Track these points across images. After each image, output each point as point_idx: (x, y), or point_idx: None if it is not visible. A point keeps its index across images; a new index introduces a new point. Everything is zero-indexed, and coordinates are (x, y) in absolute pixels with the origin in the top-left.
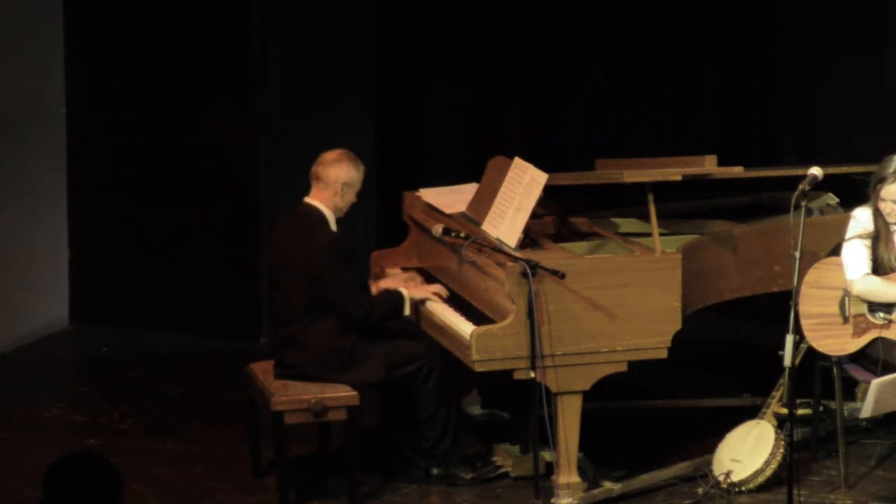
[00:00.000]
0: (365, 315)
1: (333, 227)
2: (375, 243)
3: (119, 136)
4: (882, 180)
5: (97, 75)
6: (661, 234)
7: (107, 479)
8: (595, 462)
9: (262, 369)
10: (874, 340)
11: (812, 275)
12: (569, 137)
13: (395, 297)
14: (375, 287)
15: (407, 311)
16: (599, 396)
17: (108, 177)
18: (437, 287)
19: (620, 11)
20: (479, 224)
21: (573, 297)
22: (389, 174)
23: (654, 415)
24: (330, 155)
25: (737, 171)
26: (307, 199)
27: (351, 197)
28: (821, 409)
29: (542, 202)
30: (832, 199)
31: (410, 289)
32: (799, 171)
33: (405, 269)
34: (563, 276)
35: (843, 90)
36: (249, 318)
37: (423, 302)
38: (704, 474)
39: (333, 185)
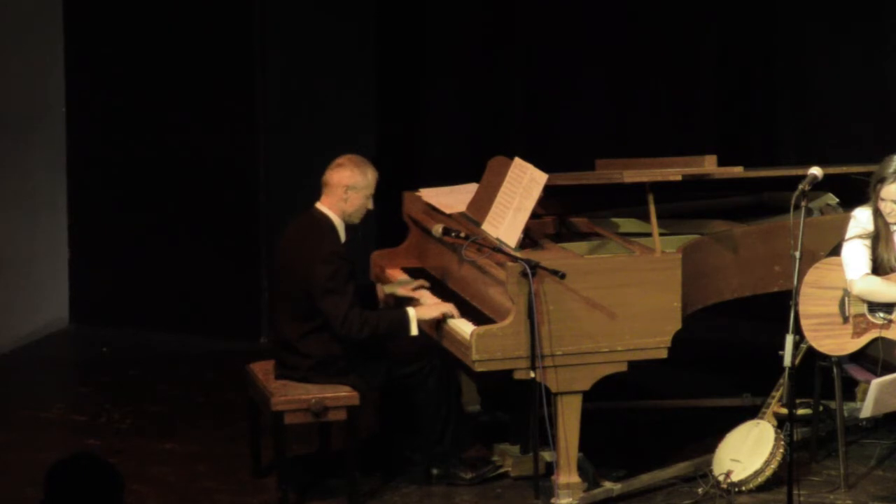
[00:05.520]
0: (352, 332)
1: (342, 234)
2: (375, 243)
3: (119, 136)
4: (882, 180)
5: (97, 75)
6: (661, 234)
7: (107, 480)
8: (595, 462)
9: (262, 369)
10: (874, 340)
11: (812, 275)
12: (569, 137)
13: (400, 317)
14: (381, 291)
15: (414, 331)
16: (599, 396)
17: (107, 177)
18: (447, 307)
19: (620, 11)
20: (479, 224)
21: (573, 297)
22: (389, 174)
23: (654, 415)
24: (337, 160)
25: (737, 171)
26: (318, 205)
27: (359, 201)
28: (821, 409)
29: (542, 202)
30: (832, 199)
31: (419, 309)
32: (799, 171)
33: (405, 270)
34: (563, 276)
35: (843, 90)
36: (249, 318)
37: (437, 322)
38: (704, 474)
39: (337, 189)
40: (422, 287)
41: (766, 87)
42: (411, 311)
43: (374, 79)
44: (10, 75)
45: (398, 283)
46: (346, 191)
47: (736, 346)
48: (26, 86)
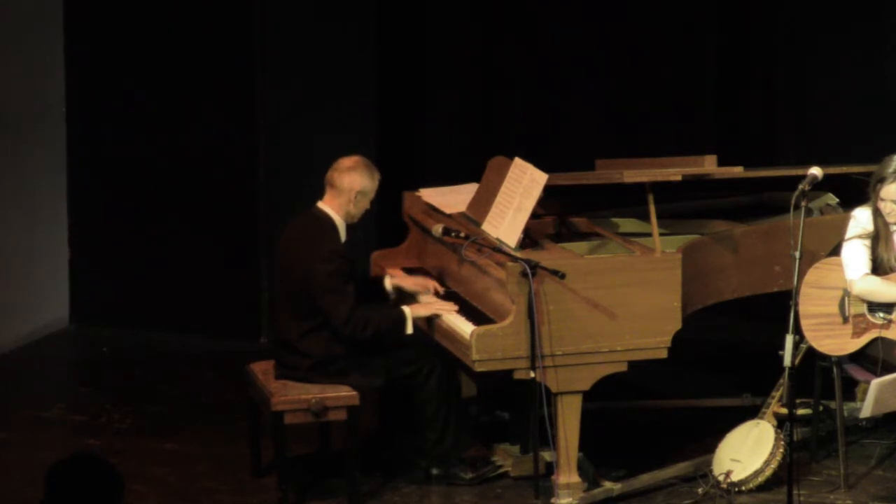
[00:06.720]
0: (355, 332)
1: (343, 234)
2: (375, 243)
3: (119, 136)
4: (882, 180)
5: (97, 75)
6: (661, 234)
7: (107, 480)
8: (595, 462)
9: (262, 369)
10: (874, 340)
11: (812, 275)
12: (569, 137)
13: (396, 316)
14: (389, 282)
15: (409, 331)
16: (599, 396)
17: (108, 177)
18: (441, 304)
19: (620, 11)
20: (479, 224)
21: (573, 297)
22: (389, 174)
23: (654, 415)
24: (346, 162)
25: (737, 171)
26: (320, 204)
27: (364, 204)
28: (821, 409)
29: (542, 202)
30: (832, 199)
31: (414, 307)
32: (799, 171)
33: (405, 270)
34: (563, 276)
35: (843, 90)
36: (249, 318)
37: (428, 318)
38: (704, 474)
39: (347, 192)
40: (422, 285)
41: (766, 87)
42: (407, 311)
43: (374, 79)
44: (10, 75)
45: (405, 276)
46: (356, 195)
47: (736, 346)
48: (26, 86)
